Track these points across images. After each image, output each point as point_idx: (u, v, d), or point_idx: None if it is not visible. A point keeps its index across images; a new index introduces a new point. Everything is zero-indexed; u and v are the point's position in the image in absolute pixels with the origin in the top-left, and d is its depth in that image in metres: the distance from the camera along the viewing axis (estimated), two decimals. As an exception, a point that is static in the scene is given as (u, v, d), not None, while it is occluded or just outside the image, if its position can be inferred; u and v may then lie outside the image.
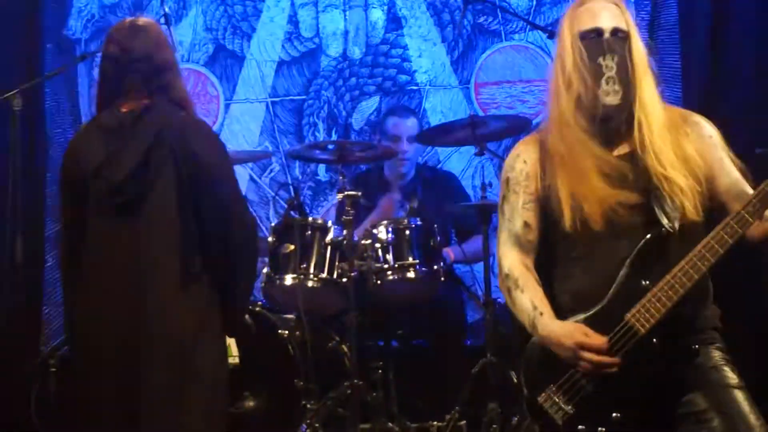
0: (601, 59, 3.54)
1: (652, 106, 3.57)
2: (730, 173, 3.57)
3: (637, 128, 3.55)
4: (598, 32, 3.57)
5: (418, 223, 5.77)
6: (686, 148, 3.56)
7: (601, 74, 3.53)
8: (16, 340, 6.33)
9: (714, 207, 3.54)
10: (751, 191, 3.44)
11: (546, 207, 3.64)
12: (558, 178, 3.59)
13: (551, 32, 7.24)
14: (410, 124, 6.66)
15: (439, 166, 7.39)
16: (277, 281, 5.59)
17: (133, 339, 3.99)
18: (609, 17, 3.58)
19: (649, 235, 3.47)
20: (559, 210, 3.56)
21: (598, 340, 3.42)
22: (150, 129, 4.06)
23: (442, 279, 5.74)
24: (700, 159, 3.56)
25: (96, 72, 7.48)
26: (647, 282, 3.44)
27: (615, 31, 3.57)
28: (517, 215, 3.67)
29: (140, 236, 4.04)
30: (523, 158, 3.72)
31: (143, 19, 4.31)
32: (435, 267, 5.71)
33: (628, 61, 3.56)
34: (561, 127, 3.61)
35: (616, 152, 3.59)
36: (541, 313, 3.53)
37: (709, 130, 3.64)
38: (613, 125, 3.58)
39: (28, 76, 5.81)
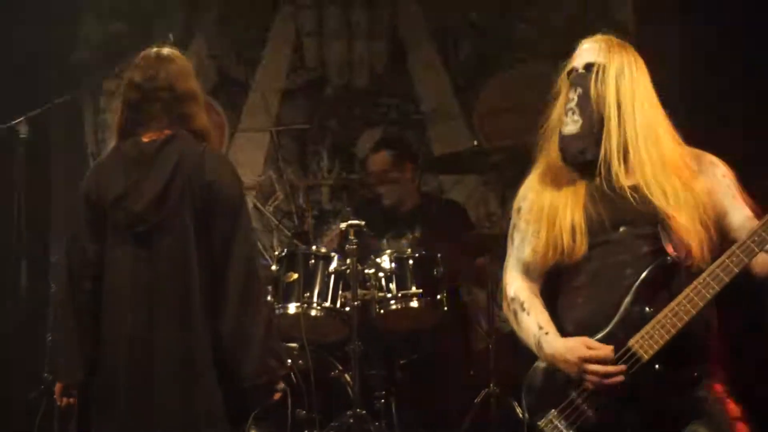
0: (571, 93, 3.64)
1: (645, 138, 3.60)
2: (742, 211, 3.58)
3: (636, 160, 3.59)
4: (574, 69, 3.68)
5: (422, 252, 5.77)
6: (696, 189, 3.58)
7: (568, 108, 3.64)
8: (19, 366, 6.32)
9: (726, 246, 3.51)
10: None
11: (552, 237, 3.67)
12: (560, 209, 3.64)
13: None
14: (380, 158, 6.66)
15: (443, 195, 7.40)
16: (281, 310, 5.59)
17: (147, 366, 4.01)
18: (588, 54, 3.67)
19: (655, 263, 3.49)
20: (561, 240, 3.60)
21: (603, 350, 3.44)
22: (170, 160, 4.08)
23: (445, 308, 5.74)
24: (710, 199, 3.58)
25: (102, 101, 7.65)
26: (651, 309, 3.45)
27: (587, 66, 3.65)
28: (527, 243, 3.71)
29: (157, 266, 4.05)
30: (531, 188, 3.78)
31: (168, 50, 4.32)
32: (438, 296, 5.71)
33: (592, 92, 3.61)
34: (557, 161, 3.68)
35: (617, 183, 3.61)
36: (547, 333, 3.56)
37: (722, 169, 3.66)
38: (591, 157, 3.62)
39: (33, 103, 5.81)
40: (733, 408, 3.51)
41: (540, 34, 7.60)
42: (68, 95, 6.40)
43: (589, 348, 3.45)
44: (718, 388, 3.53)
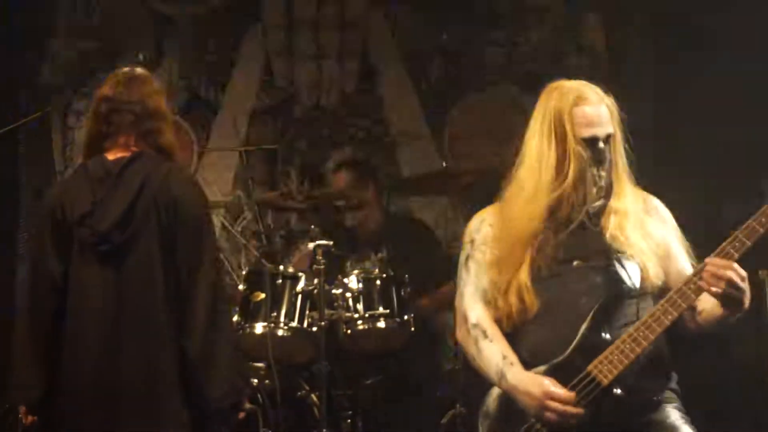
0: (595, 170, 3.67)
1: (625, 195, 3.73)
2: (679, 259, 3.72)
3: (608, 211, 3.70)
4: (594, 140, 3.67)
5: (389, 272, 5.77)
6: (648, 226, 3.72)
7: (594, 184, 3.67)
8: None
9: (664, 289, 3.65)
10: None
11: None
12: (510, 248, 3.71)
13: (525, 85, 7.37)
14: (340, 179, 6.65)
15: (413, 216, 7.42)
16: (247, 329, 5.58)
17: (112, 385, 3.99)
18: (604, 122, 3.70)
19: (611, 292, 3.57)
20: (512, 278, 3.67)
21: (566, 393, 3.48)
22: (136, 178, 4.08)
23: (413, 329, 5.74)
24: (658, 237, 3.72)
25: (70, 119, 7.62)
26: (608, 336, 3.50)
27: (607, 138, 3.70)
28: (483, 273, 3.78)
29: (123, 286, 4.04)
30: (488, 222, 3.87)
31: (140, 70, 4.37)
32: (405, 317, 5.71)
33: (612, 165, 3.71)
34: (527, 204, 3.72)
35: (579, 225, 3.69)
36: (511, 363, 3.60)
37: (666, 214, 3.83)
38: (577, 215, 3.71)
39: (1, 122, 5.79)
40: (690, 432, 3.56)
41: (510, 57, 7.63)
42: (37, 114, 6.40)
43: (553, 386, 3.50)
44: (675, 413, 3.58)
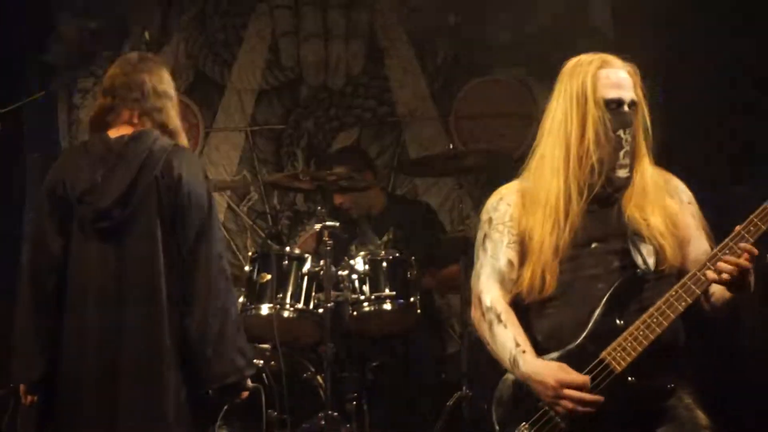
0: (621, 132, 3.60)
1: (645, 170, 3.66)
2: (700, 242, 3.65)
3: (630, 188, 3.64)
4: (619, 103, 3.61)
5: (396, 254, 5.76)
6: (668, 205, 3.66)
7: (620, 147, 3.60)
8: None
9: (681, 272, 3.60)
10: None
11: (523, 250, 3.68)
12: (535, 225, 3.65)
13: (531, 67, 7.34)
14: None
15: (417, 198, 7.41)
16: (253, 311, 5.57)
17: (113, 365, 3.98)
18: (628, 86, 3.64)
19: (624, 276, 3.54)
20: (533, 254, 3.62)
21: (580, 378, 3.44)
22: (138, 156, 4.08)
23: (419, 311, 5.73)
24: (677, 220, 3.65)
25: (76, 98, 7.61)
26: (622, 321, 3.47)
27: (632, 103, 3.63)
28: (501, 253, 3.70)
29: (123, 261, 4.04)
30: (506, 201, 3.76)
31: (150, 55, 4.45)
32: (411, 299, 5.70)
33: (637, 134, 3.64)
34: (550, 178, 3.66)
35: (596, 203, 3.64)
36: (524, 351, 3.54)
37: (687, 195, 3.75)
38: (601, 187, 3.64)
39: (7, 100, 5.77)
40: (703, 417, 3.55)
41: (517, 38, 7.60)
42: (42, 92, 6.38)
43: (567, 373, 3.45)
44: (688, 398, 3.56)
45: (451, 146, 6.66)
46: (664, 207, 3.64)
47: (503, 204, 3.76)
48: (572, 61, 3.74)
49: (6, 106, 5.59)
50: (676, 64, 6.66)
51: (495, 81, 7.66)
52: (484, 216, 3.80)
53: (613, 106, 3.60)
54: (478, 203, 7.32)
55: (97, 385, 4.00)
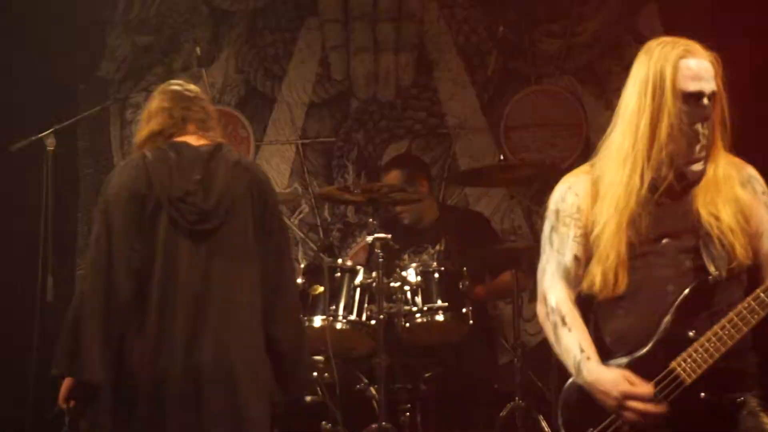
0: (699, 126, 3.45)
1: (719, 162, 3.53)
2: None
3: (704, 181, 3.51)
4: (699, 96, 3.46)
5: (448, 265, 5.77)
6: (740, 197, 3.51)
7: (697, 141, 3.46)
8: (49, 383, 6.28)
9: (752, 267, 3.49)
10: None
11: (593, 243, 3.56)
12: (606, 218, 3.51)
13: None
14: (392, 178, 6.60)
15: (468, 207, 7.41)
16: (306, 323, 5.59)
17: (196, 365, 4.01)
18: (709, 77, 3.48)
19: (695, 283, 3.43)
20: (605, 249, 3.49)
21: (645, 388, 3.37)
22: (227, 163, 4.18)
23: (471, 322, 5.73)
24: (749, 213, 3.51)
25: (128, 113, 7.67)
26: (693, 332, 3.39)
27: (712, 95, 3.48)
28: (568, 248, 3.58)
29: (214, 265, 4.09)
30: (574, 191, 3.63)
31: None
32: (464, 310, 5.70)
33: (714, 125, 3.50)
34: (622, 167, 3.52)
35: (667, 196, 3.52)
36: (588, 358, 3.46)
37: (761, 185, 3.59)
38: (674, 180, 3.51)
39: (61, 116, 5.84)
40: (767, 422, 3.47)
41: (566, 49, 7.59)
42: (95, 108, 6.45)
43: (631, 383, 3.38)
44: (753, 402, 3.48)
45: (501, 157, 6.66)
46: (736, 199, 3.49)
47: (571, 194, 3.62)
48: (653, 43, 3.57)
49: (60, 123, 5.66)
50: (724, 72, 6.63)
51: (544, 91, 7.65)
52: (551, 206, 3.66)
53: (693, 99, 3.45)
54: (529, 213, 7.32)
55: (182, 388, 4.01)
